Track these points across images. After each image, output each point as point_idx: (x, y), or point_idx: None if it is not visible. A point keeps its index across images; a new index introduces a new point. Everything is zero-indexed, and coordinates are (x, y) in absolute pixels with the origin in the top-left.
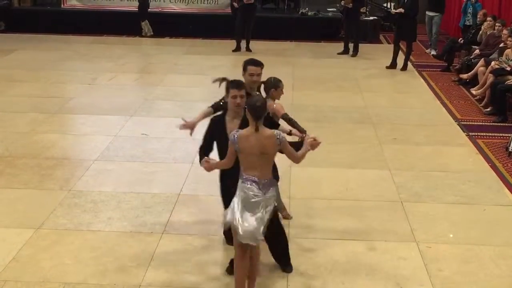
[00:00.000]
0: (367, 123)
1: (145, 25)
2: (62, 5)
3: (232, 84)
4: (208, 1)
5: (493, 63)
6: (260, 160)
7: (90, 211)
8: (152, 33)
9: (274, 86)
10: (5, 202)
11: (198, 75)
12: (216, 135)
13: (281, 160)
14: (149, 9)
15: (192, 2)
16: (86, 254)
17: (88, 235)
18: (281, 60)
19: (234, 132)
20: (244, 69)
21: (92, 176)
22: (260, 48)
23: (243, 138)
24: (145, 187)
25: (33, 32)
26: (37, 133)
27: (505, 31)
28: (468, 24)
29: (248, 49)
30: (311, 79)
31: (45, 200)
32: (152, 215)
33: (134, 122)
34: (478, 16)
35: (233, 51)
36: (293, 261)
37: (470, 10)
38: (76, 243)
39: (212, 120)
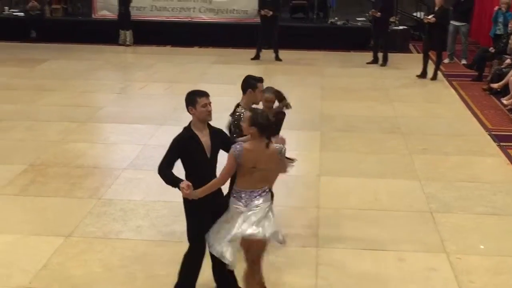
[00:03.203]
0: (397, 133)
1: (129, 34)
2: (93, 15)
3: (201, 93)
4: (237, 11)
5: None
6: (260, 173)
7: (119, 220)
8: (131, 43)
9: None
10: (36, 210)
11: (227, 85)
12: (190, 152)
13: (310, 169)
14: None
15: (221, 12)
16: (116, 262)
17: (118, 243)
18: (310, 69)
19: (237, 146)
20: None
21: (122, 184)
22: (289, 58)
23: (247, 152)
24: (174, 196)
25: (65, 42)
26: (67, 142)
27: None
28: (499, 33)
29: (277, 58)
30: (340, 89)
31: (75, 209)
32: (181, 223)
33: (164, 131)
34: (509, 25)
35: (251, 59)
36: (322, 272)
37: (501, 19)
38: (106, 251)
39: (182, 138)
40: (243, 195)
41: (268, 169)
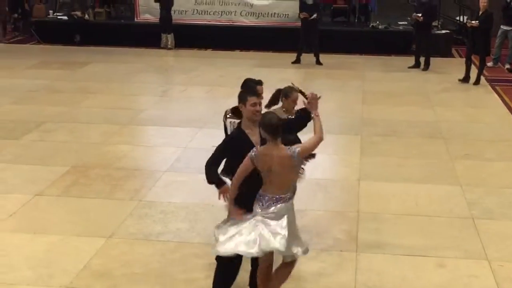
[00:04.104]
0: (438, 138)
1: (171, 38)
2: (135, 19)
3: (250, 92)
4: (279, 15)
5: None
6: (278, 178)
7: (159, 222)
8: (173, 47)
9: (285, 95)
10: (78, 211)
11: (268, 88)
12: (239, 151)
13: (349, 173)
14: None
15: (263, 16)
16: (155, 264)
17: (158, 245)
18: (351, 73)
19: (254, 148)
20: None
21: (162, 187)
22: (330, 62)
23: (262, 156)
24: (214, 199)
25: (108, 45)
26: (109, 144)
27: None
28: None
29: (318, 62)
30: (381, 93)
31: (116, 210)
32: None
33: (204, 134)
34: None
35: (292, 62)
36: (361, 277)
37: None
38: (146, 253)
39: (232, 136)
40: (265, 199)
41: (282, 173)
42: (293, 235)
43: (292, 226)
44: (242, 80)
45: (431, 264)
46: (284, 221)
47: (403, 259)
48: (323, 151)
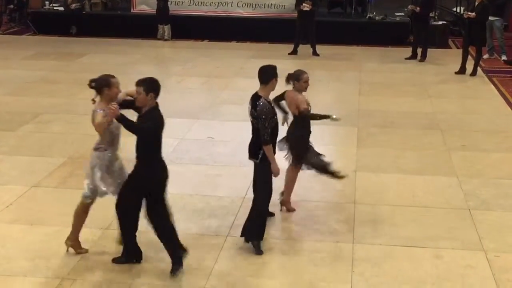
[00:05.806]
0: (435, 129)
1: (167, 29)
2: (132, 10)
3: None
4: (275, 6)
5: None
6: None
7: None
8: (170, 38)
9: (296, 78)
10: (74, 203)
11: None
12: None
13: (346, 165)
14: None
15: (259, 7)
16: (152, 254)
17: (154, 236)
18: (348, 64)
19: None
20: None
21: None
22: (327, 53)
23: None
24: (211, 190)
25: (104, 36)
26: None
27: None
28: None
29: (315, 53)
30: (378, 84)
31: (113, 201)
32: (217, 218)
33: (201, 126)
34: None
35: (288, 54)
36: (358, 268)
37: None
38: (143, 244)
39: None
40: None
41: None
42: None
43: None
44: (239, 71)
45: (427, 255)
46: None
47: (400, 250)
48: (320, 142)
